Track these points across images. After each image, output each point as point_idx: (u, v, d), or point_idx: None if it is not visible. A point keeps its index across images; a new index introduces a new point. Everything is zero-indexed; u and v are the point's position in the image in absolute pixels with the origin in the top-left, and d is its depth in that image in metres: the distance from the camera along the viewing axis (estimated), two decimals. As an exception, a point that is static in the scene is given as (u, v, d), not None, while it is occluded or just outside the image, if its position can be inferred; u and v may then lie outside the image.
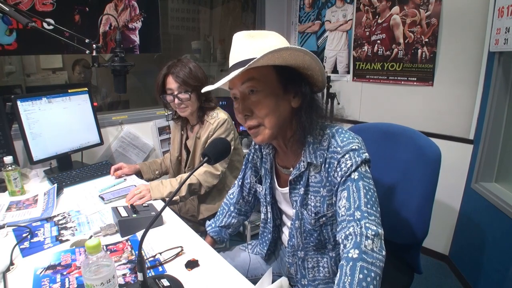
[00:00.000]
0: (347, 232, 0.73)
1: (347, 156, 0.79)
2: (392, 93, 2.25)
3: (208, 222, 1.21)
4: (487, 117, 1.76)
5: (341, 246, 0.74)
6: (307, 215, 0.89)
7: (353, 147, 0.79)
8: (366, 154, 0.80)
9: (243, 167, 1.14)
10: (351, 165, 0.78)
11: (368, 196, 0.76)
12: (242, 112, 0.82)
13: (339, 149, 0.80)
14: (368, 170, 0.80)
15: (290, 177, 0.89)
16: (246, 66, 0.73)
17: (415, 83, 2.11)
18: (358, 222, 0.73)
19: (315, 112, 0.84)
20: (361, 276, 0.66)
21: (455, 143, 1.98)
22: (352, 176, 0.77)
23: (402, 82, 2.17)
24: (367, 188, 0.77)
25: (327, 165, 0.82)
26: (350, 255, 0.69)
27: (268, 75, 0.80)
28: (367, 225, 0.72)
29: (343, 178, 0.78)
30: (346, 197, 0.77)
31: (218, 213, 1.20)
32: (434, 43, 1.97)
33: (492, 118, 1.74)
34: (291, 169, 0.91)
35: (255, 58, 0.73)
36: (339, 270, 0.70)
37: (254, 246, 1.17)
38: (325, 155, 0.83)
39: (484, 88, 1.82)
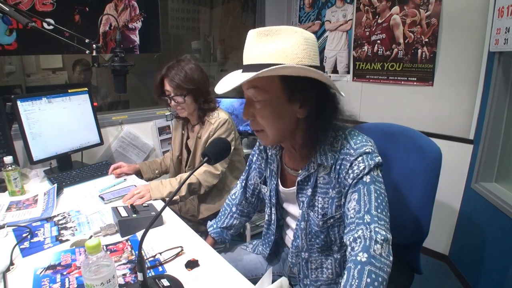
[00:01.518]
0: (356, 235, 0.73)
1: (360, 159, 0.78)
2: (392, 93, 2.24)
3: (209, 223, 1.20)
4: (487, 117, 1.76)
5: (349, 248, 0.74)
6: (313, 216, 0.88)
7: (367, 150, 0.78)
8: (379, 157, 0.79)
9: (247, 168, 1.13)
10: (364, 168, 0.77)
11: (379, 200, 0.75)
12: (244, 116, 0.82)
13: (352, 151, 0.79)
14: (380, 174, 0.79)
15: (299, 178, 0.88)
16: (244, 80, 0.72)
17: (415, 83, 2.11)
18: (367, 225, 0.72)
19: (325, 121, 0.80)
20: (368, 280, 0.67)
21: (455, 143, 1.98)
22: (364, 179, 0.77)
23: (402, 82, 2.17)
24: (378, 192, 0.76)
25: (338, 167, 0.81)
26: (358, 258, 0.70)
27: (272, 84, 0.77)
28: (376, 229, 0.72)
29: (355, 180, 0.77)
30: (357, 199, 0.76)
31: (220, 214, 1.20)
32: (434, 43, 1.97)
33: (492, 118, 1.74)
34: (300, 170, 0.89)
35: (262, 65, 0.71)
36: (346, 272, 0.70)
37: (256, 246, 1.17)
38: (337, 156, 0.81)
39: (484, 88, 1.82)
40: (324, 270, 0.93)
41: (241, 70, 0.81)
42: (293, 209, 0.97)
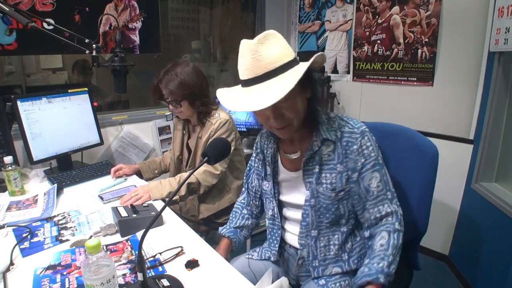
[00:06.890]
0: (388, 210, 0.91)
1: (366, 138, 0.90)
2: (392, 93, 2.24)
3: (220, 228, 1.17)
4: (487, 117, 1.76)
5: (383, 220, 0.92)
6: (323, 191, 0.93)
7: (365, 129, 0.92)
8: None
9: (247, 172, 1.15)
10: (373, 149, 0.90)
11: (390, 181, 0.93)
12: (278, 125, 0.87)
13: (355, 129, 0.91)
14: None
15: (304, 158, 0.93)
16: (260, 108, 0.78)
17: (415, 83, 2.11)
18: (391, 201, 0.92)
19: (322, 96, 0.90)
20: (401, 241, 0.90)
21: (455, 143, 1.98)
22: (380, 161, 0.92)
23: (402, 82, 2.17)
24: (387, 173, 0.94)
25: (344, 143, 0.91)
26: (396, 226, 0.90)
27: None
28: (397, 203, 0.93)
29: (372, 162, 0.90)
30: (379, 179, 0.91)
31: (231, 217, 1.20)
32: (434, 43, 1.97)
33: (492, 118, 1.74)
34: (298, 152, 0.96)
35: (277, 69, 0.80)
36: (385, 235, 0.89)
37: (261, 251, 1.14)
38: (338, 134, 0.92)
39: (484, 88, 1.82)
40: (331, 247, 0.97)
41: (240, 86, 0.87)
42: (295, 196, 1.00)
